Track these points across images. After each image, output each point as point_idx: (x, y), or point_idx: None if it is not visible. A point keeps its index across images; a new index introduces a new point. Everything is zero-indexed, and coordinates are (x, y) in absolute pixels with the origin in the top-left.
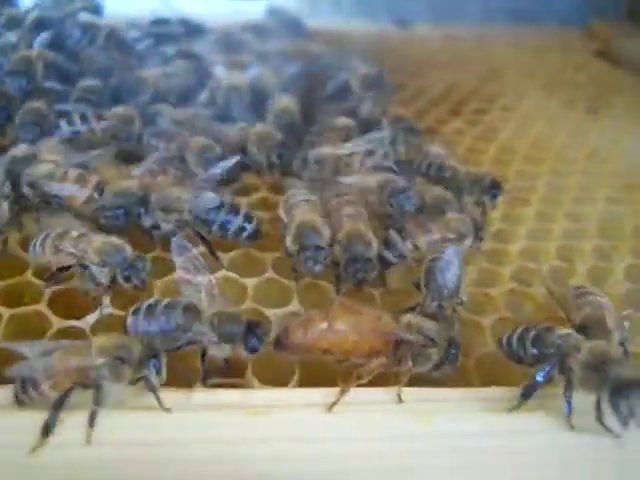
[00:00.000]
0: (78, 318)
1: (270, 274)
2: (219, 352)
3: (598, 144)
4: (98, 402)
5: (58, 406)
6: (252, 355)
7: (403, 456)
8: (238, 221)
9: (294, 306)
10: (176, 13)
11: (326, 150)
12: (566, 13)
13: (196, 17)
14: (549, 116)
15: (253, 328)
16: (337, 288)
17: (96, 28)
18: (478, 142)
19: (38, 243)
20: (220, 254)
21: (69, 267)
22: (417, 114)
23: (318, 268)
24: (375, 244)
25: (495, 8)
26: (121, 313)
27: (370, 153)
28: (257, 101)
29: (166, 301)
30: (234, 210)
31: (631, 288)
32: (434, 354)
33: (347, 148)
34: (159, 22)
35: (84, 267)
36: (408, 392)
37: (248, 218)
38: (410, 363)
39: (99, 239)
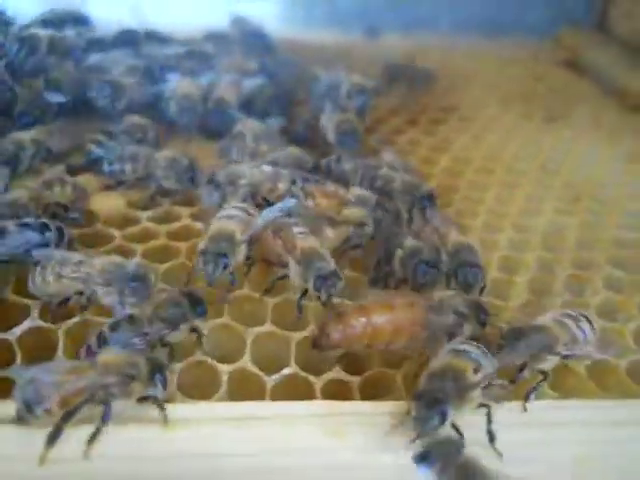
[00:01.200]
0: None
1: None
2: (177, 337)
3: (551, 155)
4: (105, 419)
5: (66, 419)
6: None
7: (311, 470)
8: None
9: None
10: (143, 23)
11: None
12: (538, 24)
13: (167, 28)
14: (505, 127)
15: (192, 296)
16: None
17: (37, 39)
18: (432, 153)
19: (37, 275)
20: None
21: (68, 299)
22: (375, 124)
23: (216, 272)
24: None
25: (467, 19)
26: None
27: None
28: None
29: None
30: None
31: (568, 300)
32: (467, 329)
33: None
34: (125, 32)
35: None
36: (320, 405)
37: None
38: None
39: (100, 260)
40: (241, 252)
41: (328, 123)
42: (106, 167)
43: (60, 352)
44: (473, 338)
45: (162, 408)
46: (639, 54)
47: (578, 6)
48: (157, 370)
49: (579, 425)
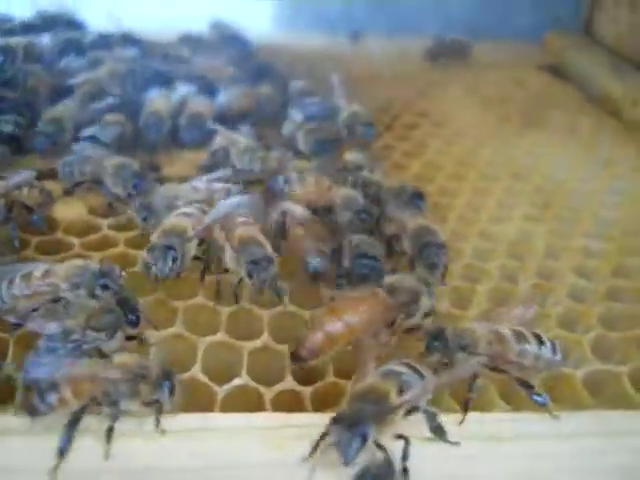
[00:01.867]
0: None
1: None
2: (111, 346)
3: (524, 161)
4: (115, 418)
5: (73, 423)
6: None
7: None
8: None
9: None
10: (120, 28)
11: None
12: (525, 28)
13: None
14: (481, 132)
15: (125, 304)
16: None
17: (11, 48)
18: (405, 158)
19: (4, 291)
20: None
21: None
22: None
23: (165, 267)
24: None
25: (452, 22)
26: None
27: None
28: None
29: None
30: None
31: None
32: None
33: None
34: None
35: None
36: (263, 418)
37: None
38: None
39: (61, 267)
40: (191, 248)
41: (297, 131)
42: (60, 169)
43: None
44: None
45: (159, 414)
46: (623, 60)
47: (565, 10)
48: (166, 376)
49: (528, 438)
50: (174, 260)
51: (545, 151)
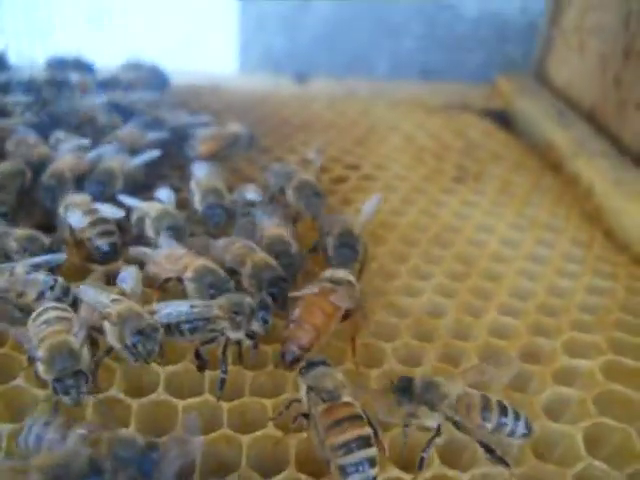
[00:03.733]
0: None
1: None
2: None
3: (449, 223)
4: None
5: None
6: None
7: None
8: None
9: None
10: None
11: None
12: (478, 69)
13: None
14: (409, 188)
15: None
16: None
17: None
18: None
19: None
20: None
21: None
22: None
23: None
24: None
25: (405, 62)
26: None
27: None
28: None
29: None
30: None
31: None
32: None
33: None
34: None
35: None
36: None
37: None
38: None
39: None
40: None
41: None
42: None
43: None
44: None
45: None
46: (571, 105)
47: (517, 51)
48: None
49: None
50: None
51: (472, 212)
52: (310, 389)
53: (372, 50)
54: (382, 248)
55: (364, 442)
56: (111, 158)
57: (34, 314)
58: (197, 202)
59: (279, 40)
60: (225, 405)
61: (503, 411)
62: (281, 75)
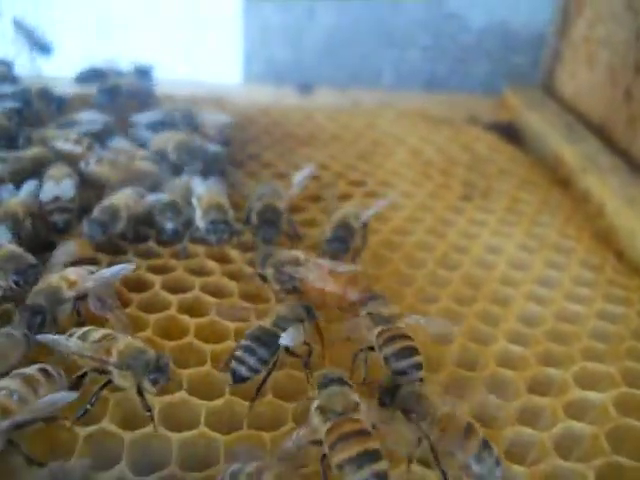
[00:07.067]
0: None
1: None
2: None
3: (456, 243)
4: None
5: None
6: None
7: None
8: None
9: None
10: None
11: None
12: (486, 81)
13: None
14: (415, 206)
15: None
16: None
17: None
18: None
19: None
20: None
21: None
22: None
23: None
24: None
25: (411, 73)
26: None
27: None
28: None
29: None
30: None
31: None
32: None
33: None
34: None
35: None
36: None
37: None
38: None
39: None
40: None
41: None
42: None
43: None
44: None
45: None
46: (579, 118)
47: (524, 62)
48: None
49: None
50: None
51: (480, 231)
52: (319, 408)
53: (377, 61)
54: (386, 269)
55: (374, 456)
56: None
57: None
58: (199, 218)
59: (283, 51)
60: (221, 438)
61: (486, 447)
62: (285, 86)
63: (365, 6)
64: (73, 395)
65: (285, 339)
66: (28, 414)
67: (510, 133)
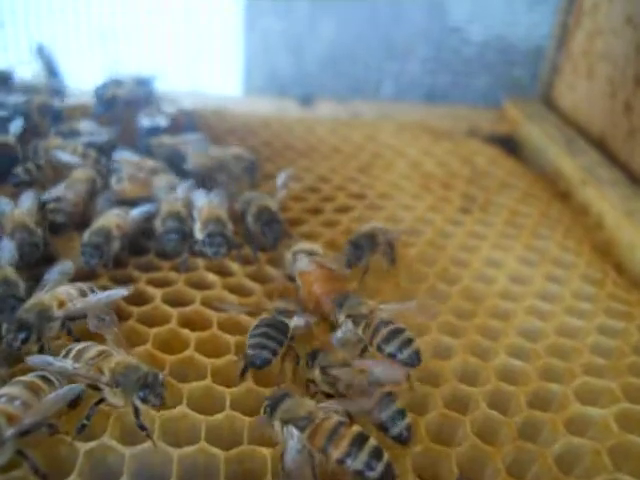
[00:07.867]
0: None
1: None
2: None
3: (456, 257)
4: None
5: None
6: None
7: None
8: None
9: None
10: None
11: None
12: (486, 93)
13: None
14: (414, 219)
15: None
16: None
17: None
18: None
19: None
20: None
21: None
22: None
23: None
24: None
25: (411, 85)
26: None
27: None
28: None
29: None
30: None
31: None
32: None
33: None
34: None
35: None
36: None
37: None
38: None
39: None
40: None
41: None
42: None
43: None
44: None
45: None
46: (578, 131)
47: (524, 75)
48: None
49: None
50: None
51: (480, 244)
52: (285, 423)
53: (378, 73)
54: (386, 283)
55: (363, 438)
56: None
57: None
58: (197, 231)
59: (284, 63)
60: (222, 454)
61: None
62: (286, 98)
63: (366, 18)
64: (78, 388)
65: (297, 321)
66: (35, 416)
67: (510, 146)
